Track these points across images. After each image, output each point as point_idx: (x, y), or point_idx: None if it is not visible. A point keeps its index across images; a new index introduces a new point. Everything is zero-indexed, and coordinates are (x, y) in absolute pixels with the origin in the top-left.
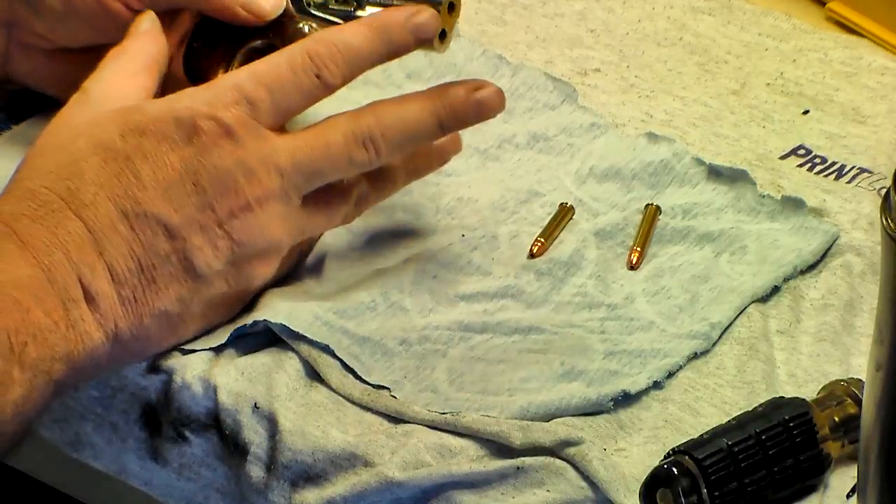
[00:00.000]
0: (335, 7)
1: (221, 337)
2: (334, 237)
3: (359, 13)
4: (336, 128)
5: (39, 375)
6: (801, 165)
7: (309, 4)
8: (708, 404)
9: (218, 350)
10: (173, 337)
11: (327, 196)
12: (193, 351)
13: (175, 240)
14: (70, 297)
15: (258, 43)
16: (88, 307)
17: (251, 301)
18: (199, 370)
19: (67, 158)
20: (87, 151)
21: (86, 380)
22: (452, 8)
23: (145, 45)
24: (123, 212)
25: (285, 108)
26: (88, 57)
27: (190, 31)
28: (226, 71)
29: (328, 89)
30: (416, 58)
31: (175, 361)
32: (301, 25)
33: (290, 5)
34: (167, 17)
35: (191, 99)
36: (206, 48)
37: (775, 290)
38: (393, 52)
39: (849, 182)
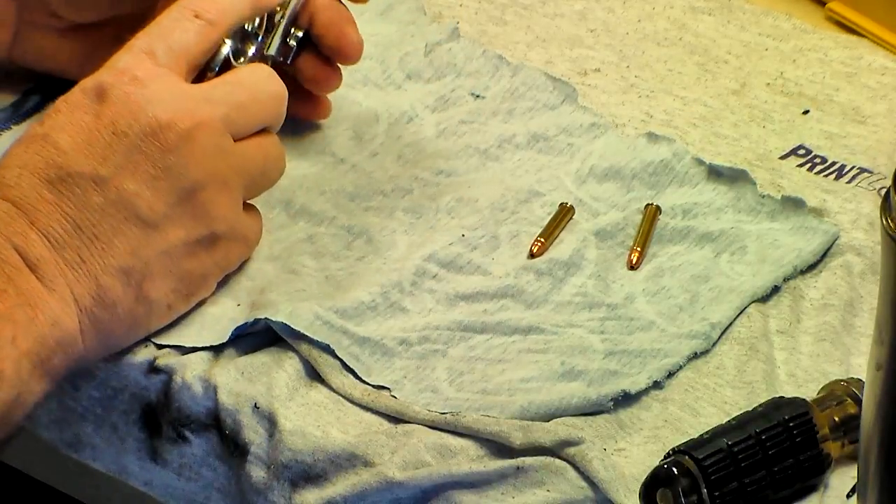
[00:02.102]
0: None
1: (222, 336)
2: (334, 237)
3: None
4: (243, 69)
5: (11, 352)
6: (801, 165)
7: None
8: (708, 404)
9: (218, 350)
10: (146, 302)
11: (260, 133)
12: (194, 350)
13: (107, 190)
14: (13, 268)
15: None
16: (34, 275)
17: (251, 301)
18: (199, 370)
19: None
20: (12, 146)
21: (73, 359)
22: None
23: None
24: (48, 180)
25: (180, 49)
26: (101, 33)
27: None
28: None
29: (213, 26)
30: (417, 58)
31: (175, 361)
32: None
33: None
34: None
35: (95, 72)
36: None
37: (775, 290)
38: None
39: (849, 182)
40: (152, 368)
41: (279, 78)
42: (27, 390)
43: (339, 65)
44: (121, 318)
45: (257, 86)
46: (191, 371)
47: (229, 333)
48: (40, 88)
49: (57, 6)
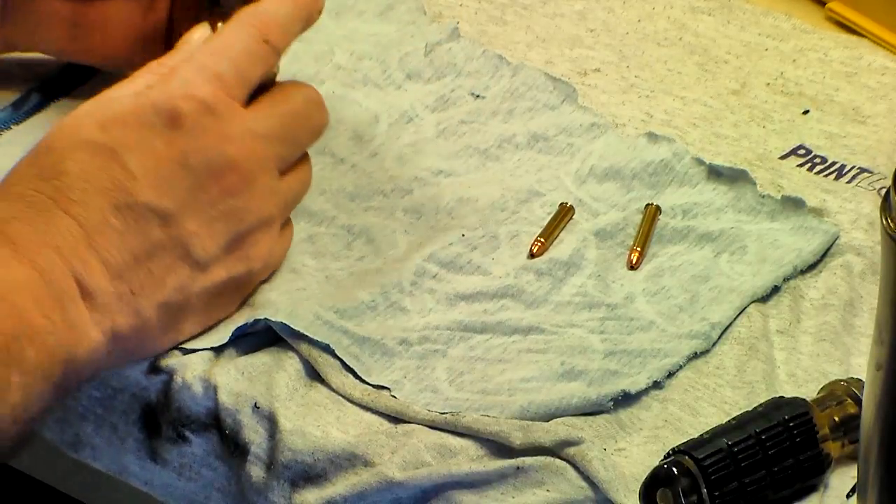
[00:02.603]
0: None
1: (223, 336)
2: (334, 237)
3: None
4: (294, 93)
5: (38, 379)
6: (801, 165)
7: None
8: (708, 404)
9: (218, 350)
10: (174, 332)
11: (299, 162)
12: (194, 351)
13: (169, 227)
14: (68, 296)
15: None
16: (86, 305)
17: (251, 300)
18: (199, 370)
19: (51, 159)
20: (69, 149)
21: (86, 380)
22: None
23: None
24: (115, 204)
25: (248, 77)
26: (93, 8)
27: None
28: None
29: (276, 54)
30: (417, 58)
31: (175, 361)
32: None
33: None
34: None
35: (164, 86)
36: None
37: (775, 290)
38: (308, 17)
39: (849, 182)
40: (153, 369)
41: (325, 104)
42: (41, 409)
43: None
44: (148, 346)
45: (310, 118)
46: (191, 371)
47: (230, 334)
48: (40, 88)
49: None
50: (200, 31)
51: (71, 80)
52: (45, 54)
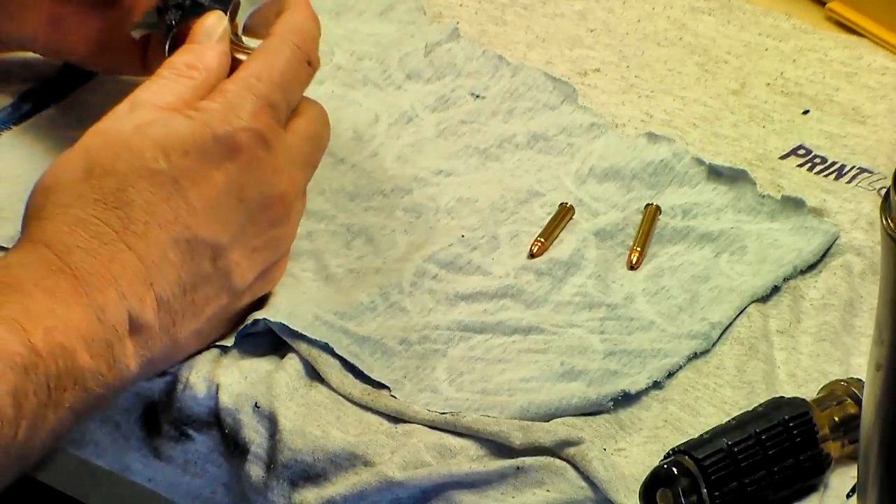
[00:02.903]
0: None
1: (228, 340)
2: (333, 236)
3: None
4: (316, 116)
5: (71, 414)
6: (801, 165)
7: None
8: (708, 404)
9: (220, 350)
10: (194, 349)
11: None
12: (198, 352)
13: (218, 259)
14: (117, 335)
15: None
16: (131, 341)
17: (250, 301)
18: (202, 371)
19: (114, 184)
20: (132, 176)
21: (111, 403)
22: None
23: (209, 60)
24: (174, 238)
25: (292, 102)
26: (105, 10)
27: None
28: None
29: (314, 73)
30: (417, 58)
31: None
32: None
33: None
34: None
35: (219, 112)
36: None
37: (775, 290)
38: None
39: (849, 182)
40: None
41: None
42: (64, 436)
43: None
44: (170, 362)
45: (324, 139)
46: (195, 372)
47: (234, 336)
48: (40, 89)
49: None
50: (214, 18)
51: (70, 82)
52: (26, 49)
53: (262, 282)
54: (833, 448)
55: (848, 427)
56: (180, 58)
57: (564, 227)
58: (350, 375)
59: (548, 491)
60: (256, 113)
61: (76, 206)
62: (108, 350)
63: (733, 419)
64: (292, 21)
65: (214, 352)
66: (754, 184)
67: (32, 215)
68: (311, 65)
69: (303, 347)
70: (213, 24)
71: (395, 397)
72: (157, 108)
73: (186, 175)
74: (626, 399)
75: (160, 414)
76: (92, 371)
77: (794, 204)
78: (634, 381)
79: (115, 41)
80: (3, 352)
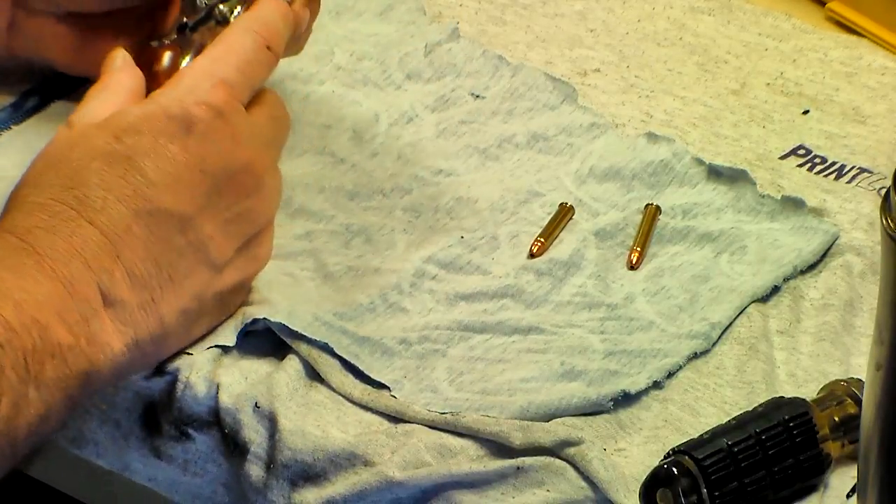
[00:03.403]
0: None
1: (229, 338)
2: (332, 236)
3: None
4: (276, 100)
5: (56, 393)
6: (801, 165)
7: None
8: (708, 404)
9: (220, 350)
10: (187, 337)
11: None
12: (196, 341)
13: (188, 232)
14: (91, 309)
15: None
16: (109, 316)
17: (251, 301)
18: (202, 370)
19: (68, 169)
20: (86, 159)
21: (101, 390)
22: None
23: (123, 79)
24: (136, 211)
25: (252, 83)
26: (97, 23)
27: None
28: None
29: (277, 59)
30: (417, 58)
31: (180, 362)
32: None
33: None
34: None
35: (172, 94)
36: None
37: (775, 290)
38: (296, 27)
39: (849, 182)
40: (158, 370)
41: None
42: (57, 423)
43: None
44: (164, 351)
45: (286, 122)
46: (195, 371)
47: (235, 335)
48: (40, 88)
49: None
50: (119, 53)
51: (71, 81)
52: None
53: (247, 259)
54: (833, 448)
55: (848, 427)
56: (101, 83)
57: (564, 227)
58: (350, 375)
59: (548, 491)
60: (209, 89)
61: (34, 194)
62: (84, 324)
63: (733, 419)
64: (253, 13)
65: (215, 352)
66: (754, 184)
67: (1, 217)
68: (272, 50)
69: (303, 348)
70: (119, 56)
71: (395, 397)
72: (97, 120)
73: (140, 151)
74: (626, 399)
75: (160, 413)
76: (70, 346)
77: (794, 204)
78: (634, 381)
79: (91, 48)
80: None
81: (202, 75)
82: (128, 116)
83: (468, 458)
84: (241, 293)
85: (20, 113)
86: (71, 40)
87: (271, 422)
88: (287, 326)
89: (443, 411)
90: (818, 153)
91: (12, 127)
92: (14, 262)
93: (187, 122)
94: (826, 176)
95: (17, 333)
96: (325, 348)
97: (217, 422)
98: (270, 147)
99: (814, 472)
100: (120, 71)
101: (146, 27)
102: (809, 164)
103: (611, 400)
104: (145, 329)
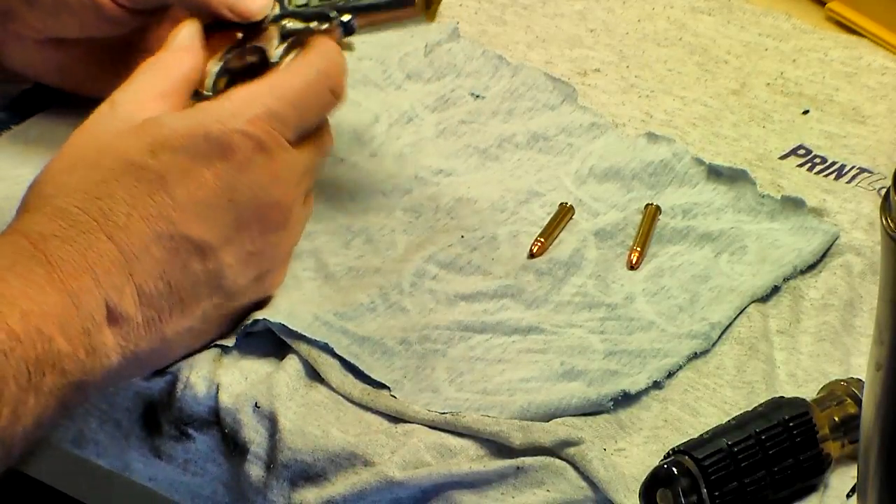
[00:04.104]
0: (314, 6)
1: (229, 339)
2: (332, 237)
3: (332, 13)
4: (327, 134)
5: (52, 400)
6: (801, 165)
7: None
8: (708, 404)
9: (221, 350)
10: (188, 349)
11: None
12: (199, 350)
13: (207, 260)
14: (94, 323)
15: (238, 41)
16: (111, 331)
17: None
18: (202, 370)
19: (98, 177)
20: (118, 170)
21: (95, 395)
22: None
23: (182, 61)
24: (158, 233)
25: (307, 123)
26: (80, 48)
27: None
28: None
29: (339, 103)
30: (417, 58)
31: (180, 362)
32: (283, 23)
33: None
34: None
35: (217, 113)
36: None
37: (775, 290)
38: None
39: (849, 182)
40: (158, 370)
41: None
42: (49, 427)
43: None
44: (162, 362)
45: (328, 153)
46: (196, 371)
47: (235, 335)
48: (40, 88)
49: (34, 21)
50: (188, 28)
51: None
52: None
53: (260, 286)
54: (833, 448)
55: (848, 427)
56: (157, 58)
57: (564, 227)
58: (350, 375)
59: (548, 491)
60: (256, 119)
61: (59, 196)
62: (86, 337)
63: (733, 419)
64: (321, 48)
65: (215, 351)
66: (754, 184)
67: (19, 210)
68: (335, 94)
69: (303, 348)
70: (187, 32)
71: (395, 397)
72: (140, 104)
73: (173, 171)
74: (626, 399)
75: (160, 413)
76: (70, 356)
77: (794, 204)
78: (634, 381)
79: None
80: None
81: (253, 101)
82: (166, 128)
83: (468, 458)
84: (244, 309)
85: (20, 112)
86: (55, 62)
87: (271, 422)
88: (287, 327)
89: (443, 411)
90: (818, 153)
91: (12, 127)
92: (24, 268)
93: (226, 149)
94: (826, 176)
95: (22, 343)
96: (326, 348)
97: (217, 422)
98: (308, 178)
99: (814, 472)
100: (181, 50)
101: (134, 48)
102: (809, 164)
103: (611, 400)
104: (146, 344)
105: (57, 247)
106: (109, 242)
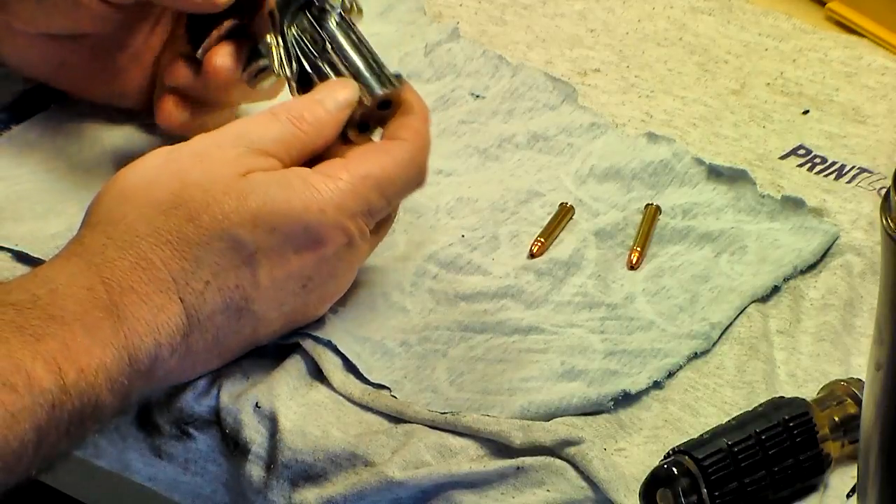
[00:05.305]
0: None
1: None
2: None
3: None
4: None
5: (80, 439)
6: (801, 165)
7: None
8: (708, 404)
9: None
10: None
11: None
12: None
13: (259, 328)
14: (139, 374)
15: (231, 23)
16: (149, 383)
17: None
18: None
19: (192, 234)
20: (213, 233)
21: None
22: (385, 105)
23: (317, 138)
24: (227, 305)
25: (393, 208)
26: (71, 45)
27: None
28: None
29: (420, 188)
30: (417, 58)
31: None
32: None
33: None
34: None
35: (324, 199)
36: (188, 33)
37: (775, 290)
38: None
39: (849, 182)
40: None
41: None
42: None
43: None
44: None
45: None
46: None
47: None
48: (40, 88)
49: (24, 15)
50: (348, 91)
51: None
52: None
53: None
54: (833, 448)
55: (848, 427)
56: (299, 105)
57: (564, 227)
58: (351, 375)
59: (548, 491)
60: (355, 216)
61: (147, 240)
62: (127, 389)
63: (733, 419)
64: (419, 129)
65: None
66: (754, 184)
67: (101, 217)
68: (419, 182)
69: (307, 343)
70: (345, 96)
71: (395, 397)
72: (259, 155)
73: (264, 250)
74: (626, 399)
75: (161, 413)
76: (109, 407)
77: (794, 204)
78: (634, 381)
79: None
80: (36, 388)
81: (357, 193)
82: (272, 205)
83: (468, 458)
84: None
85: (20, 113)
86: (46, 56)
87: (272, 422)
88: None
89: (443, 411)
90: (818, 153)
91: (12, 127)
92: (94, 321)
93: (319, 241)
94: (826, 176)
95: (71, 397)
96: (329, 345)
97: (218, 421)
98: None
99: (814, 472)
100: (333, 115)
101: (125, 50)
102: (809, 164)
103: (611, 400)
104: (175, 379)
105: (132, 302)
106: (179, 305)
